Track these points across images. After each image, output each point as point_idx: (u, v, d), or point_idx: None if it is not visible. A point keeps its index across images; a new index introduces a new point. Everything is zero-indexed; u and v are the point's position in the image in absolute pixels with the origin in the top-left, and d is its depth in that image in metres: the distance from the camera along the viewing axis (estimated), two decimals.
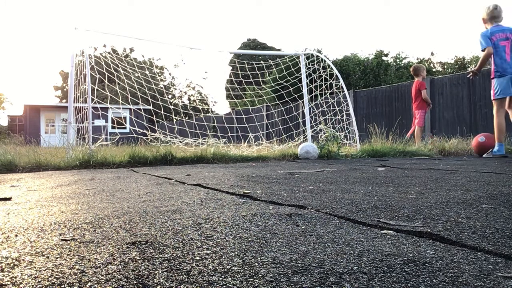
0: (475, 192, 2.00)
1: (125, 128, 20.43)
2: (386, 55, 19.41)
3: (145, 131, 7.00)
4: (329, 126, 6.77)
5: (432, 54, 27.98)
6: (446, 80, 10.85)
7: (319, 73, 7.47)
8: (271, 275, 0.84)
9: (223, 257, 0.97)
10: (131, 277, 0.84)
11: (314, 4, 77.91)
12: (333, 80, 7.36)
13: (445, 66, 23.38)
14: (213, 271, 0.87)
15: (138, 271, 0.88)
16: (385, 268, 0.88)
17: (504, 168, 3.49)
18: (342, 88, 7.06)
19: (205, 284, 0.79)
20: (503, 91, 5.33)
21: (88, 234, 1.23)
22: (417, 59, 22.89)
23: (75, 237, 1.19)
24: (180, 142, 6.88)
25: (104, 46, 33.18)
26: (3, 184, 2.91)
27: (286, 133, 9.28)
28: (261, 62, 9.36)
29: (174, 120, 11.60)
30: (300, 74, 7.57)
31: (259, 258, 0.95)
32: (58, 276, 0.84)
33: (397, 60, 19.45)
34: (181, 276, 0.84)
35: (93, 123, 5.38)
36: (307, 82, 7.46)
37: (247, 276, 0.84)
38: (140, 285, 0.79)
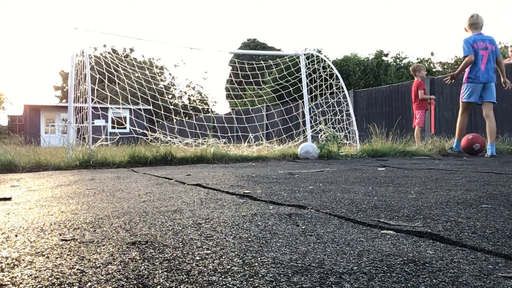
0: (475, 192, 2.00)
1: (125, 128, 20.44)
2: (386, 55, 19.41)
3: (145, 131, 7.00)
4: (329, 126, 6.77)
5: (432, 54, 27.98)
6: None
7: (319, 73, 7.47)
8: (271, 275, 0.84)
9: (223, 257, 0.97)
10: (131, 277, 0.84)
11: (314, 4, 77.88)
12: (333, 80, 7.36)
13: (445, 66, 23.37)
14: (213, 271, 0.87)
15: (138, 271, 0.88)
16: (385, 268, 0.88)
17: (504, 168, 3.49)
18: (342, 88, 7.06)
19: (205, 284, 0.79)
20: (472, 96, 5.77)
21: (88, 234, 1.23)
22: (417, 59, 22.88)
23: (75, 237, 1.19)
24: (180, 142, 6.88)
25: (104, 46, 33.19)
26: (3, 184, 2.91)
27: (286, 133, 9.28)
28: (261, 62, 9.36)
29: (174, 120, 11.60)
30: (300, 74, 7.57)
31: (259, 258, 0.95)
32: (58, 276, 0.84)
33: (397, 60, 19.45)
34: (181, 276, 0.84)
35: (93, 123, 5.38)
36: (307, 82, 7.45)
37: (247, 276, 0.84)
38: (140, 285, 0.79)
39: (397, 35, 72.21)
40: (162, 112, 7.65)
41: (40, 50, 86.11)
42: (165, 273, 0.86)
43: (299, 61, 7.63)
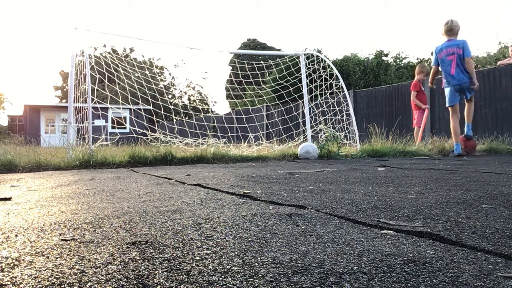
0: (475, 192, 2.00)
1: (125, 128, 20.44)
2: (386, 55, 19.41)
3: (145, 131, 7.00)
4: (329, 126, 6.77)
5: (432, 54, 27.97)
6: None
7: (319, 73, 7.47)
8: (271, 275, 0.84)
9: (223, 257, 0.97)
10: (131, 277, 0.84)
11: (314, 4, 77.86)
12: (333, 80, 7.36)
13: None
14: (213, 271, 0.87)
15: (138, 271, 0.88)
16: (385, 268, 0.88)
17: (504, 168, 3.49)
18: (342, 88, 7.06)
19: (205, 284, 0.79)
20: (451, 100, 6.14)
21: (88, 234, 1.23)
22: (417, 59, 22.88)
23: (75, 237, 1.19)
24: (180, 142, 6.88)
25: (104, 46, 33.19)
26: (3, 184, 2.91)
27: (286, 133, 9.28)
28: (261, 62, 9.36)
29: (174, 120, 11.59)
30: (300, 74, 7.57)
31: (259, 258, 0.95)
32: (58, 276, 0.84)
33: (397, 60, 19.45)
34: (181, 276, 0.84)
35: (93, 123, 5.38)
36: (307, 82, 7.45)
37: (247, 276, 0.84)
38: (140, 285, 0.79)
39: (397, 35, 72.21)
40: (162, 112, 7.65)
41: (40, 50, 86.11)
42: (165, 273, 0.86)
43: (299, 61, 7.63)
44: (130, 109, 9.68)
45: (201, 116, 19.61)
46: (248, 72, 8.66)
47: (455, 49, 5.95)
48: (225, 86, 37.28)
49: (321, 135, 6.45)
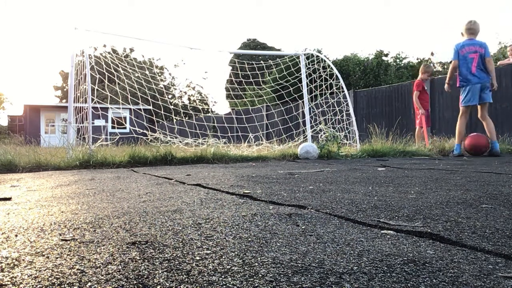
0: (475, 192, 2.00)
1: (125, 128, 20.44)
2: (386, 55, 19.41)
3: (145, 131, 7.00)
4: (329, 126, 6.77)
5: (432, 54, 27.97)
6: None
7: (319, 73, 7.47)
8: (271, 275, 0.84)
9: (223, 257, 0.97)
10: (131, 277, 0.84)
11: (314, 4, 77.88)
12: (333, 80, 7.36)
13: (445, 66, 23.37)
14: (213, 271, 0.87)
15: (138, 271, 0.88)
16: (385, 268, 0.88)
17: (504, 168, 3.49)
18: (342, 88, 7.06)
19: (205, 284, 0.79)
20: (471, 100, 5.93)
21: (88, 234, 1.23)
22: (417, 59, 22.87)
23: (75, 237, 1.19)
24: (180, 142, 6.88)
25: (104, 46, 33.18)
26: (3, 184, 2.91)
27: (286, 133, 9.28)
28: (261, 62, 9.36)
29: (174, 120, 11.59)
30: (300, 74, 7.57)
31: (259, 258, 0.95)
32: (58, 276, 0.84)
33: (397, 60, 19.45)
34: (181, 276, 0.84)
35: (93, 123, 5.38)
36: (307, 82, 7.45)
37: (247, 276, 0.84)
38: (140, 285, 0.79)
39: (397, 35, 72.20)
40: (162, 112, 7.65)
41: (40, 50, 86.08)
42: (165, 273, 0.86)
43: (299, 61, 7.63)
44: (130, 109, 9.68)
45: (201, 116, 19.61)
46: (248, 72, 8.66)
47: (477, 47, 5.87)
48: (225, 86, 37.28)
49: (321, 135, 6.45)
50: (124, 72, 7.13)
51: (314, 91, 7.52)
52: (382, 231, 1.23)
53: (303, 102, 7.58)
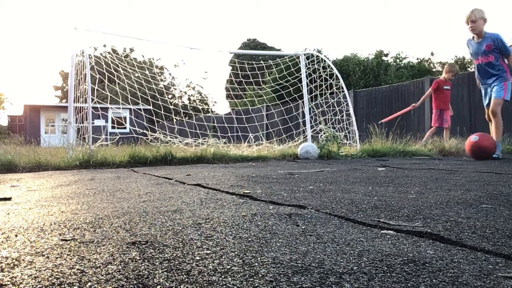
0: (475, 192, 2.00)
1: (125, 128, 20.43)
2: (386, 55, 19.42)
3: (145, 131, 7.00)
4: (329, 126, 6.77)
5: (432, 54, 28.00)
6: None
7: (319, 73, 7.47)
8: (271, 275, 0.84)
9: (223, 257, 0.97)
10: (131, 277, 0.84)
11: (314, 4, 77.88)
12: (333, 80, 7.36)
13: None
14: (213, 271, 0.87)
15: (138, 271, 0.88)
16: (385, 268, 0.88)
17: (504, 168, 3.49)
18: (342, 88, 7.06)
19: (205, 284, 0.79)
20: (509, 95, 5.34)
21: (88, 234, 1.23)
22: (417, 59, 22.88)
23: (75, 237, 1.19)
24: (180, 142, 6.88)
25: (104, 46, 33.11)
26: (3, 184, 2.91)
27: (286, 133, 9.27)
28: (261, 62, 9.36)
29: (174, 120, 11.59)
30: (300, 74, 7.57)
31: (259, 258, 0.95)
32: (58, 276, 0.84)
33: (397, 60, 19.46)
34: (181, 276, 0.84)
35: (93, 123, 5.38)
36: (307, 82, 7.45)
37: (247, 276, 0.84)
38: (140, 285, 0.79)
39: (397, 35, 72.15)
40: (162, 112, 7.65)
41: (40, 50, 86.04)
42: (165, 273, 0.86)
43: (299, 61, 7.63)
44: (130, 109, 9.68)
45: (201, 116, 19.61)
46: (248, 72, 8.66)
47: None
48: (225, 86, 37.29)
49: (321, 135, 6.45)
50: (124, 72, 7.13)
51: (314, 91, 7.52)
52: (382, 231, 1.23)
53: (303, 102, 7.58)
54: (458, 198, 1.84)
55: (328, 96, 7.49)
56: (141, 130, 6.87)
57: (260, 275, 0.84)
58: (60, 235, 1.22)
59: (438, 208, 1.58)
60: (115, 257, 0.97)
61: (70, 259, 0.97)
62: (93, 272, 0.87)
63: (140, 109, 18.33)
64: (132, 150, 5.04)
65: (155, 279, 0.82)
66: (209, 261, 0.94)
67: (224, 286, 0.78)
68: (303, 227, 1.29)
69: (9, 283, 0.81)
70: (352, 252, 1.00)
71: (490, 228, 1.25)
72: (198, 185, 2.53)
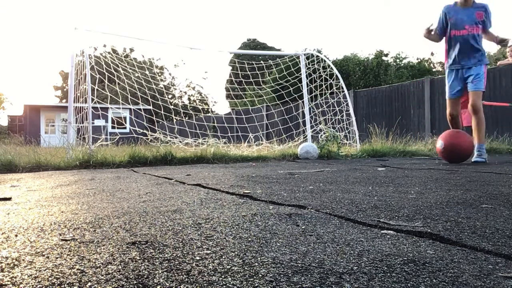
0: (475, 192, 2.00)
1: (125, 128, 20.42)
2: (386, 55, 19.42)
3: (145, 131, 7.00)
4: (329, 126, 6.77)
5: (432, 54, 27.99)
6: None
7: (319, 73, 7.47)
8: (271, 275, 0.84)
9: (223, 257, 0.97)
10: (131, 277, 0.84)
11: (314, 4, 77.87)
12: (333, 80, 7.36)
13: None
14: (213, 271, 0.87)
15: (138, 271, 0.88)
16: (385, 268, 0.88)
17: (504, 168, 3.49)
18: (342, 88, 7.06)
19: (205, 284, 0.79)
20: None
21: (88, 234, 1.23)
22: (417, 59, 22.87)
23: (75, 237, 1.19)
24: (180, 142, 6.88)
25: (104, 46, 33.11)
26: (3, 184, 2.91)
27: (286, 133, 9.27)
28: (261, 62, 9.36)
29: (174, 120, 11.59)
30: (300, 74, 7.57)
31: (259, 258, 0.95)
32: (58, 276, 0.84)
33: (397, 60, 19.46)
34: (181, 276, 0.84)
35: (93, 123, 5.38)
36: (307, 82, 7.45)
37: (247, 276, 0.84)
38: (140, 285, 0.79)
39: (397, 35, 72.12)
40: (162, 112, 7.65)
41: (40, 50, 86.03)
42: (165, 273, 0.86)
43: (299, 61, 7.63)
44: (130, 109, 9.69)
45: (201, 116, 19.60)
46: (248, 72, 8.66)
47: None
48: (225, 86, 37.29)
49: (321, 135, 6.45)
50: (124, 72, 7.13)
51: (314, 91, 7.52)
52: (382, 231, 1.23)
53: (303, 102, 7.58)
54: (458, 198, 1.84)
55: (328, 96, 7.50)
56: (141, 130, 6.88)
57: (260, 275, 0.84)
58: (60, 235, 1.22)
59: (438, 208, 1.58)
60: (115, 257, 0.97)
61: (70, 259, 0.97)
62: (93, 272, 0.87)
63: (140, 109, 18.32)
64: (132, 150, 5.04)
65: (155, 279, 0.82)
66: (209, 261, 0.94)
67: (224, 286, 0.78)
68: (303, 227, 1.29)
69: (9, 283, 0.81)
70: (352, 252, 1.00)
71: (490, 228, 1.25)
72: (198, 185, 2.53)
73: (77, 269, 0.89)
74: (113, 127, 22.54)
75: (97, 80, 6.09)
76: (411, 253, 0.99)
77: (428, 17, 70.29)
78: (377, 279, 0.81)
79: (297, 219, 1.40)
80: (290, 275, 0.84)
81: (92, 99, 5.39)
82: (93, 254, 1.01)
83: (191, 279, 0.82)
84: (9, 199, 2.06)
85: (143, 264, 0.92)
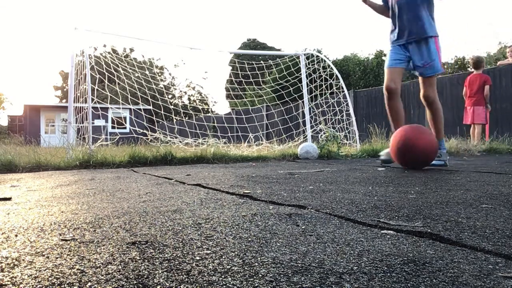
0: (475, 192, 2.00)
1: (125, 128, 20.42)
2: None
3: (145, 131, 7.00)
4: (329, 126, 6.77)
5: None
6: (446, 80, 10.85)
7: (319, 73, 7.47)
8: (271, 275, 0.84)
9: (223, 257, 0.97)
10: (131, 277, 0.84)
11: (314, 4, 77.85)
12: (333, 80, 7.36)
13: (445, 66, 23.37)
14: (213, 271, 0.87)
15: (138, 271, 0.88)
16: (385, 268, 0.88)
17: (504, 168, 3.49)
18: (342, 88, 7.06)
19: (205, 284, 0.79)
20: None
21: (88, 234, 1.23)
22: None
23: (75, 237, 1.19)
24: (180, 142, 6.88)
25: (104, 46, 33.11)
26: (3, 184, 2.91)
27: (286, 133, 9.27)
28: (261, 62, 9.35)
29: (174, 120, 11.59)
30: (300, 74, 7.57)
31: (259, 258, 0.95)
32: (58, 276, 0.84)
33: None
34: (181, 276, 0.84)
35: (93, 123, 5.38)
36: (307, 82, 7.45)
37: (247, 276, 0.84)
38: (140, 285, 0.79)
39: None
40: (162, 112, 7.65)
41: (40, 50, 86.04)
42: (165, 273, 0.86)
43: (299, 61, 7.63)
44: (130, 109, 9.69)
45: (201, 116, 19.60)
46: (248, 72, 8.66)
47: None
48: (225, 86, 37.29)
49: (321, 135, 6.45)
50: (124, 72, 7.13)
51: (314, 91, 7.52)
52: (382, 231, 1.23)
53: (303, 102, 7.58)
54: (458, 198, 1.84)
55: (328, 96, 7.50)
56: (141, 130, 6.87)
57: (260, 275, 0.84)
58: (60, 235, 1.22)
59: (438, 208, 1.58)
60: (115, 257, 0.97)
61: (70, 259, 0.97)
62: (93, 272, 0.87)
63: (140, 109, 18.32)
64: (132, 150, 5.03)
65: (155, 279, 0.82)
66: (209, 261, 0.94)
67: (224, 286, 0.78)
68: (303, 227, 1.29)
69: (9, 283, 0.81)
70: (352, 252, 1.00)
71: (490, 228, 1.25)
72: (198, 185, 2.53)
73: (77, 269, 0.89)
74: (113, 127, 22.53)
75: (97, 80, 6.09)
76: (411, 253, 0.99)
77: None
78: (377, 279, 0.81)
79: (297, 219, 1.40)
80: (290, 275, 0.84)
81: (92, 99, 5.39)
82: (93, 254, 1.01)
83: (191, 279, 0.82)
84: (9, 199, 2.06)
85: (143, 264, 0.92)
